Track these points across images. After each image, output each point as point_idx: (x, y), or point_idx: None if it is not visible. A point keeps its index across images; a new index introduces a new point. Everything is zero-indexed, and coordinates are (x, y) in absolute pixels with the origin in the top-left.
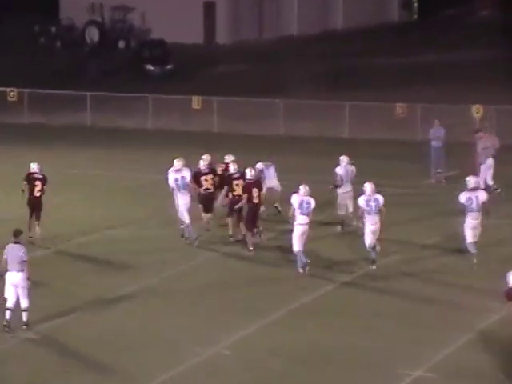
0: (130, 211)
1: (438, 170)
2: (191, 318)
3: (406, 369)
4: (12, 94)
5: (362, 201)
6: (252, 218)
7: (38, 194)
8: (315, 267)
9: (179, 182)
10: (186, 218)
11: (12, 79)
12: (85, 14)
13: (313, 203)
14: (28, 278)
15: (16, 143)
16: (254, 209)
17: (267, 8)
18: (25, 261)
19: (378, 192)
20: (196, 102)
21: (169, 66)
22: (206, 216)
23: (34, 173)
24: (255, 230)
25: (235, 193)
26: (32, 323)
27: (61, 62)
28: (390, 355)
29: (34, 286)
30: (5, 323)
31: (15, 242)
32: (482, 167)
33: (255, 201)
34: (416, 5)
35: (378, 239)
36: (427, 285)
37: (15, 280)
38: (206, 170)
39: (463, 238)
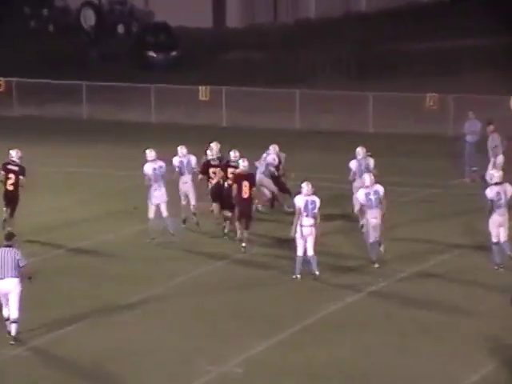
0: (130, 215)
1: (474, 168)
2: (201, 333)
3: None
4: None
5: (361, 195)
6: (242, 213)
7: (10, 188)
8: (335, 274)
9: (157, 172)
10: (151, 213)
11: None
12: None
13: (318, 202)
14: (29, 278)
15: (3, 138)
16: (245, 204)
17: None
18: (23, 266)
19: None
20: (203, 92)
21: (174, 53)
22: (216, 207)
23: (8, 163)
24: (247, 228)
25: (213, 181)
26: (26, 336)
27: (54, 48)
28: (420, 375)
29: (27, 295)
30: (12, 341)
31: (7, 246)
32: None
33: (245, 196)
34: None
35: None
36: (465, 293)
37: (8, 287)
38: (216, 162)
39: (489, 237)
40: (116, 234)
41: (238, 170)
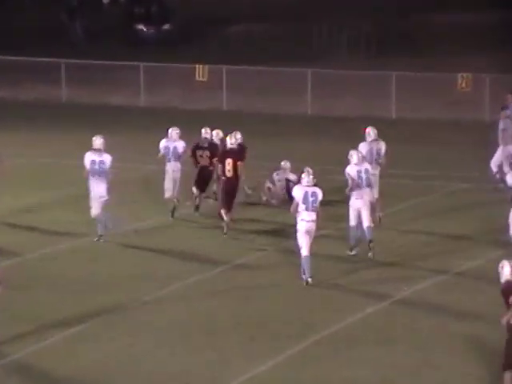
0: (118, 212)
1: None
2: (195, 350)
3: None
4: None
5: (352, 170)
6: (225, 194)
7: None
8: (351, 280)
9: (96, 166)
10: (95, 209)
11: None
12: None
13: (320, 195)
14: None
15: None
16: (228, 184)
17: None
18: None
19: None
20: (200, 72)
21: (166, 27)
22: (196, 191)
23: None
24: (229, 210)
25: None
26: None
27: (29, 23)
28: None
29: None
30: None
31: None
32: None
33: (228, 174)
34: None
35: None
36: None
37: None
38: (205, 145)
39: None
40: (95, 237)
41: (225, 149)
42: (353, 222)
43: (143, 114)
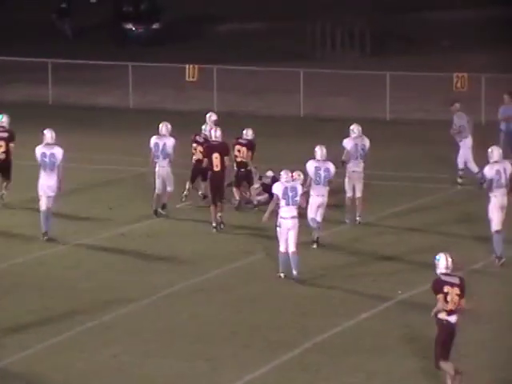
0: (104, 214)
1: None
2: (188, 355)
3: None
4: None
5: (311, 166)
6: (214, 188)
7: (2, 156)
8: (345, 282)
9: (46, 160)
10: (42, 205)
11: None
12: None
13: (300, 190)
14: None
15: None
16: (216, 177)
17: None
18: None
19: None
20: (191, 72)
21: (155, 26)
22: (188, 184)
23: None
24: (219, 203)
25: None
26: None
27: (14, 20)
28: None
29: None
30: None
31: None
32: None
33: (216, 168)
34: None
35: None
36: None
37: None
38: (200, 140)
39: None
40: (90, 238)
41: (209, 143)
42: (312, 214)
43: (132, 115)
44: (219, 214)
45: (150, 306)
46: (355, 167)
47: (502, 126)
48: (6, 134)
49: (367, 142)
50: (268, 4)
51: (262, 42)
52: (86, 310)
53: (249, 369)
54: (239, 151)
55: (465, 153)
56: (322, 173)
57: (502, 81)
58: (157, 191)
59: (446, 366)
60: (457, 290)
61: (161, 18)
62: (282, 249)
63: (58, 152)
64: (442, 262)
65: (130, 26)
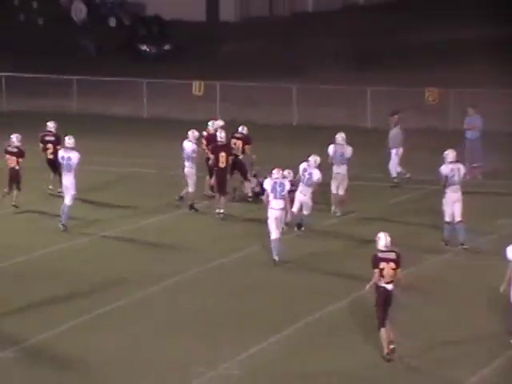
0: (123, 211)
1: (474, 165)
2: (193, 335)
3: None
4: None
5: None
6: (219, 182)
7: (50, 157)
8: (329, 273)
9: (64, 162)
10: (65, 199)
11: None
12: None
13: (287, 185)
14: None
15: None
16: (221, 173)
17: None
18: None
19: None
20: (197, 87)
21: (166, 47)
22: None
23: (45, 134)
24: (224, 195)
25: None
26: (12, 341)
27: (43, 42)
28: (422, 378)
29: (10, 300)
30: None
31: None
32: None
33: (221, 165)
34: None
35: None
36: (460, 292)
37: None
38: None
39: (443, 215)
40: (105, 233)
41: (216, 143)
42: (295, 209)
43: (146, 124)
44: (224, 201)
45: (160, 293)
46: (338, 169)
47: (467, 134)
48: (53, 138)
49: (348, 149)
50: (263, 28)
51: (259, 61)
52: (104, 296)
53: (247, 346)
54: (235, 144)
55: (394, 159)
56: (307, 175)
57: (468, 95)
58: (189, 189)
59: (383, 333)
60: (392, 265)
61: (170, 40)
62: (272, 236)
63: (74, 156)
64: (382, 241)
65: (144, 47)
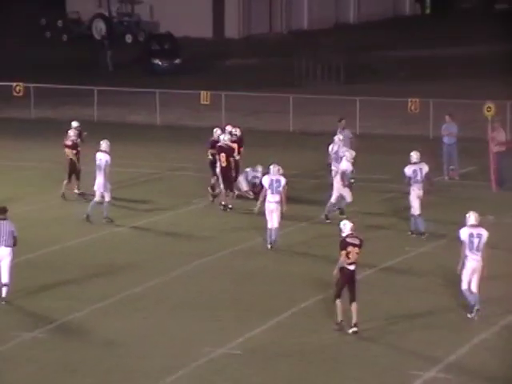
0: (143, 206)
1: (451, 167)
2: (201, 319)
3: (419, 370)
4: (18, 88)
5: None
6: (223, 179)
7: (71, 157)
8: (323, 263)
9: (97, 162)
10: (97, 196)
11: (18, 73)
12: (91, 8)
13: (283, 181)
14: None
15: (22, 139)
16: (223, 171)
17: (277, 1)
18: (15, 236)
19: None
20: (204, 97)
21: (177, 61)
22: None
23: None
24: (229, 191)
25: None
26: (40, 323)
27: (67, 56)
28: (403, 356)
29: (38, 286)
30: (2, 301)
31: (2, 219)
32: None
33: (223, 164)
34: None
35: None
36: (436, 284)
37: (3, 254)
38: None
39: (410, 209)
40: (120, 227)
41: (219, 145)
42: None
43: (159, 130)
44: (232, 195)
45: (171, 281)
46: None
47: (445, 140)
48: (70, 143)
49: (347, 154)
50: (263, 45)
51: (260, 74)
52: (122, 284)
53: (249, 328)
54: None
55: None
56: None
57: (446, 104)
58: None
59: (339, 303)
60: (357, 249)
61: (181, 55)
62: (268, 225)
63: (104, 158)
64: (348, 226)
65: (157, 61)
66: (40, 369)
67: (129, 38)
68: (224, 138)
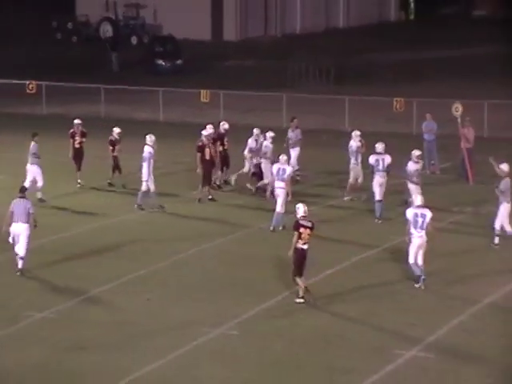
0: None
1: (432, 162)
2: (200, 301)
3: (401, 349)
4: (31, 86)
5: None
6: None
7: (77, 146)
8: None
9: (145, 155)
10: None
11: (31, 72)
12: (99, 11)
13: (288, 170)
14: (35, 226)
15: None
16: (205, 165)
17: (272, 6)
18: (32, 213)
19: None
20: (204, 95)
21: (178, 62)
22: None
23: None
24: (211, 184)
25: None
26: (50, 303)
27: (76, 56)
28: (387, 337)
29: (49, 270)
30: (18, 272)
31: (21, 197)
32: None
33: (207, 157)
34: (413, 5)
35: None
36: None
37: (20, 230)
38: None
39: (372, 196)
40: (131, 213)
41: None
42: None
43: (162, 126)
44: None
45: (173, 265)
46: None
47: (425, 136)
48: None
49: (354, 144)
50: (258, 47)
51: (255, 74)
52: (128, 267)
53: (245, 310)
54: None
55: (296, 156)
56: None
57: (428, 104)
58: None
59: (299, 281)
60: (308, 231)
61: (182, 56)
62: (277, 209)
63: (147, 150)
64: (301, 210)
65: (160, 61)
66: (51, 347)
67: (134, 40)
68: (204, 133)
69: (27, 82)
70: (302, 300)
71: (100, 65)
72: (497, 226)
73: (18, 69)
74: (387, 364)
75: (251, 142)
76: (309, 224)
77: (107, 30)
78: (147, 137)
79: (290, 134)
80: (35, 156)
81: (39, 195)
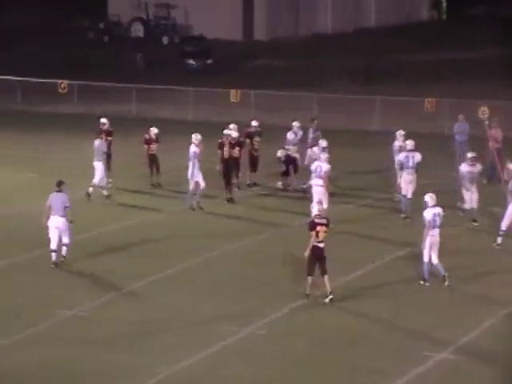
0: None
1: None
2: (229, 301)
3: (431, 351)
4: (63, 85)
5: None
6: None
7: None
8: (344, 250)
9: (191, 153)
10: (191, 185)
11: (63, 71)
12: (131, 11)
13: (324, 167)
14: (71, 222)
15: (66, 132)
16: (223, 164)
17: (302, 6)
18: (68, 207)
19: None
20: (234, 95)
21: (209, 61)
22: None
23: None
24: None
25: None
26: (78, 302)
27: (108, 56)
28: (416, 338)
29: (78, 270)
30: (52, 265)
31: (58, 191)
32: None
33: (225, 156)
34: (445, 4)
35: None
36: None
37: (58, 223)
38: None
39: (399, 191)
40: (152, 214)
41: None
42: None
43: (191, 125)
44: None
45: (200, 265)
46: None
47: (457, 137)
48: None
49: (398, 143)
50: (288, 47)
51: (285, 74)
52: (157, 265)
53: (274, 309)
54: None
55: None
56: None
57: (461, 104)
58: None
59: (310, 280)
60: (325, 228)
61: (212, 56)
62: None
63: (192, 149)
64: (315, 209)
65: (190, 61)
66: (82, 344)
67: (165, 40)
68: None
69: (59, 82)
70: (328, 300)
71: (131, 64)
72: (503, 226)
73: (50, 68)
74: (416, 366)
75: (289, 135)
76: (324, 221)
77: (139, 30)
78: (193, 135)
79: (311, 135)
80: (101, 153)
81: (105, 192)
